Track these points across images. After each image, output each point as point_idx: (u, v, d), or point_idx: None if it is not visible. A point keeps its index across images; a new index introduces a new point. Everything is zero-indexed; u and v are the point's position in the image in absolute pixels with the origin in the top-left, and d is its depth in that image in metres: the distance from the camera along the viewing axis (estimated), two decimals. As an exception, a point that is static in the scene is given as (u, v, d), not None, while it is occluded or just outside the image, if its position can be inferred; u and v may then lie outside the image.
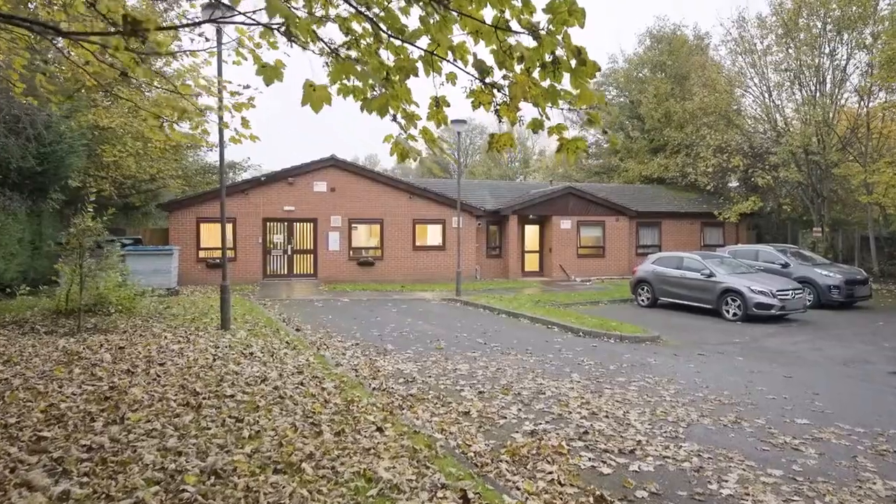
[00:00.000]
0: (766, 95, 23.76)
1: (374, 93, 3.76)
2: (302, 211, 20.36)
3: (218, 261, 19.51)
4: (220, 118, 7.88)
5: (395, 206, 21.35)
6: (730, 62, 25.10)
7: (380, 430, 4.85)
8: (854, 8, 20.80)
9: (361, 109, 4.21)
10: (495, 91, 2.87)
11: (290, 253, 20.51)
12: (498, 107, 2.97)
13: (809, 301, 15.00)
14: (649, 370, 8.37)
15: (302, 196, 20.35)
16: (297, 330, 10.78)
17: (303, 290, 18.09)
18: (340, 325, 11.70)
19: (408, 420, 5.41)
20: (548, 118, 2.87)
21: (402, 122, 4.17)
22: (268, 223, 20.21)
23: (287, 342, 8.73)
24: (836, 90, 22.15)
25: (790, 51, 22.17)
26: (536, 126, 2.95)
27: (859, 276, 16.33)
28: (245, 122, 5.82)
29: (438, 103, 3.11)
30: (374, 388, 6.60)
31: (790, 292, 13.67)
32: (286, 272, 20.46)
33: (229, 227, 19.71)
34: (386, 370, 7.83)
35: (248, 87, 6.33)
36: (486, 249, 23.37)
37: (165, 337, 8.30)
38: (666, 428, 5.74)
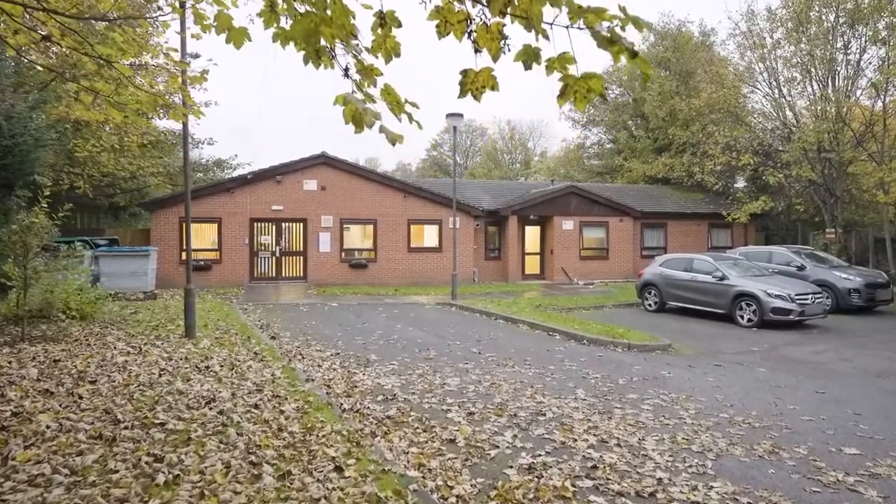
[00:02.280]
0: (777, 91, 22.80)
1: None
2: (291, 211, 19.42)
3: (203, 263, 18.61)
4: (184, 95, 6.97)
5: (389, 205, 20.41)
6: (738, 56, 24.14)
7: (339, 469, 3.89)
8: (867, -1, 19.86)
9: (305, 62, 3.26)
10: (468, 1, 1.92)
11: (278, 255, 19.55)
12: (474, 31, 2.02)
13: (828, 305, 14.00)
14: (663, 385, 7.41)
15: (291, 195, 19.41)
16: (273, 338, 9.82)
17: (290, 293, 17.14)
18: (323, 333, 10.74)
19: (378, 452, 4.44)
20: (545, 36, 1.93)
21: (357, 77, 3.22)
22: (255, 223, 19.26)
23: (255, 353, 7.77)
24: (850, 85, 21.20)
25: (802, 45, 21.20)
26: (529, 58, 2.01)
27: (880, 280, 15.36)
28: (186, 95, 4.88)
29: (384, 20, 2.16)
30: (344, 410, 5.63)
31: (810, 296, 12.70)
32: (274, 275, 19.50)
33: (214, 227, 18.82)
34: (364, 385, 6.87)
35: (197, 56, 5.43)
36: (484, 251, 22.40)
37: (115, 347, 7.35)
38: (691, 460, 4.77)
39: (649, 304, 15.22)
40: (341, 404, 5.85)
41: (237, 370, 6.57)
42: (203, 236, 18.97)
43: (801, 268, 15.66)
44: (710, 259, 14.32)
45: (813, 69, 21.39)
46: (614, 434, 5.37)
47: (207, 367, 6.52)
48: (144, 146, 17.34)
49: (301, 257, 19.72)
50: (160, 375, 5.98)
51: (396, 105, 3.31)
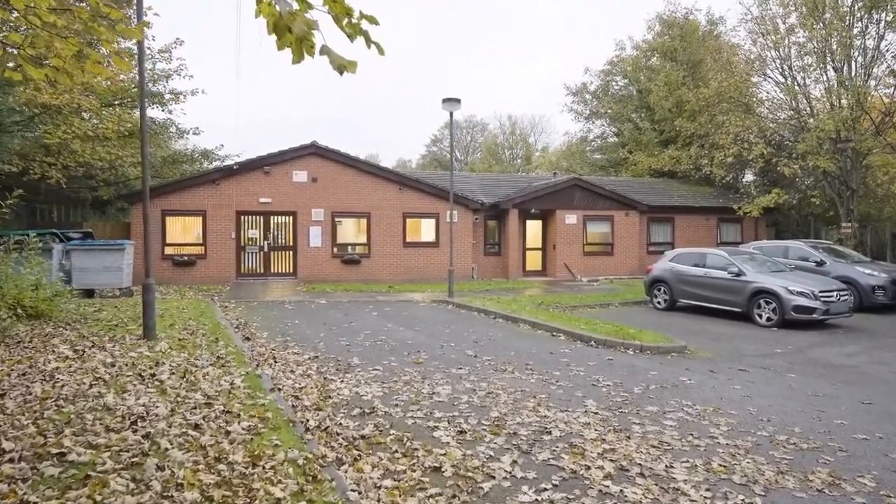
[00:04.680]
0: (790, 79, 21.78)
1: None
2: (280, 203, 18.45)
3: (187, 258, 17.68)
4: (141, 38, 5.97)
5: (383, 198, 19.43)
6: (750, 43, 23.09)
7: (280, 519, 2.93)
8: (886, -17, 18.84)
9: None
10: None
11: (266, 250, 18.58)
12: None
13: (852, 304, 13.03)
14: (686, 394, 6.45)
15: (280, 187, 18.44)
16: (247, 339, 8.87)
17: (278, 290, 16.19)
18: (305, 333, 9.79)
19: (341, 489, 3.49)
20: None
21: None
22: (242, 217, 18.29)
23: (219, 357, 6.82)
24: (868, 72, 20.18)
25: (817, 27, 20.17)
26: None
27: (906, 276, 14.37)
28: (103, 38, 3.90)
29: None
30: (308, 429, 4.67)
31: (834, 293, 11.76)
32: (262, 271, 18.54)
33: (199, 220, 17.87)
34: (340, 395, 5.92)
35: None
36: (483, 246, 21.42)
37: (55, 350, 6.39)
38: (734, 497, 3.81)
39: (658, 302, 14.26)
40: (307, 421, 4.89)
41: (189, 378, 5.61)
42: (187, 230, 18.04)
43: (821, 263, 14.69)
44: (724, 254, 13.36)
45: (829, 56, 20.39)
46: (635, 459, 4.41)
47: (153, 376, 5.56)
48: (124, 136, 16.38)
49: (291, 252, 18.76)
50: (91, 386, 5.03)
51: (346, 18, 2.34)
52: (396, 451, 4.41)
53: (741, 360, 8.53)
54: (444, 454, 4.37)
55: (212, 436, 4.05)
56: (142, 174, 8.10)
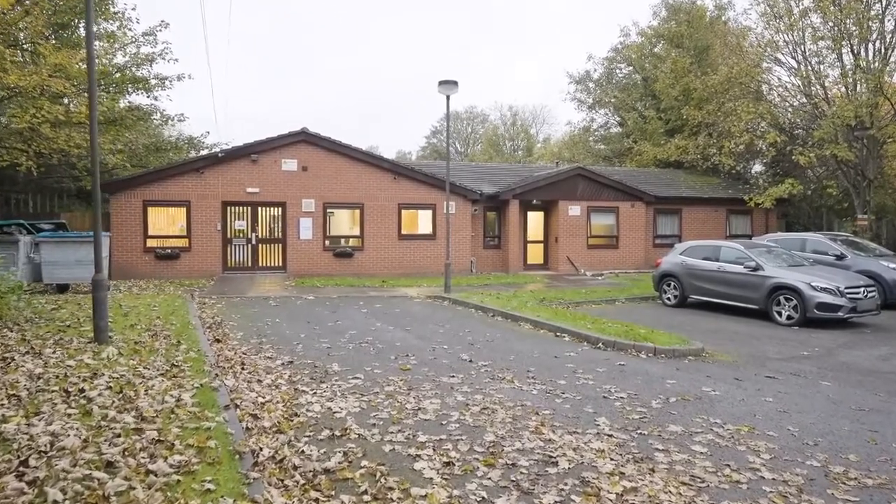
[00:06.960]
0: (804, 65, 20.76)
1: None
2: (268, 193, 17.52)
3: (171, 251, 16.78)
4: None
5: (377, 188, 18.49)
6: (762, 26, 22.06)
7: None
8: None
9: None
10: None
11: (254, 242, 17.67)
12: None
13: (879, 301, 12.13)
14: (711, 408, 5.56)
15: (268, 176, 17.51)
16: (217, 341, 7.99)
17: (264, 285, 15.29)
18: (284, 333, 8.91)
19: (281, 558, 2.61)
20: None
21: None
22: (228, 207, 17.37)
23: (175, 364, 5.93)
24: (885, 57, 19.17)
25: (833, 9, 19.16)
26: None
27: (933, 271, 13.44)
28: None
29: None
30: (257, 464, 3.77)
31: (861, 290, 10.86)
32: (250, 264, 17.63)
33: (182, 211, 16.97)
34: (310, 412, 5.04)
35: None
36: (483, 239, 20.48)
37: (-23, 359, 5.51)
38: (798, 562, 2.93)
39: (668, 298, 13.37)
40: (260, 450, 3.99)
41: (127, 394, 4.72)
42: (171, 221, 17.15)
43: (841, 257, 13.77)
44: (740, 247, 12.44)
45: (845, 39, 19.38)
46: (664, 501, 3.52)
47: (83, 391, 4.67)
48: (100, 122, 15.44)
49: (280, 245, 17.85)
50: (-4, 407, 4.15)
51: None
52: (366, 493, 3.53)
53: (766, 365, 7.65)
54: (425, 496, 3.49)
55: (125, 479, 3.16)
56: (89, 143, 7.18)
